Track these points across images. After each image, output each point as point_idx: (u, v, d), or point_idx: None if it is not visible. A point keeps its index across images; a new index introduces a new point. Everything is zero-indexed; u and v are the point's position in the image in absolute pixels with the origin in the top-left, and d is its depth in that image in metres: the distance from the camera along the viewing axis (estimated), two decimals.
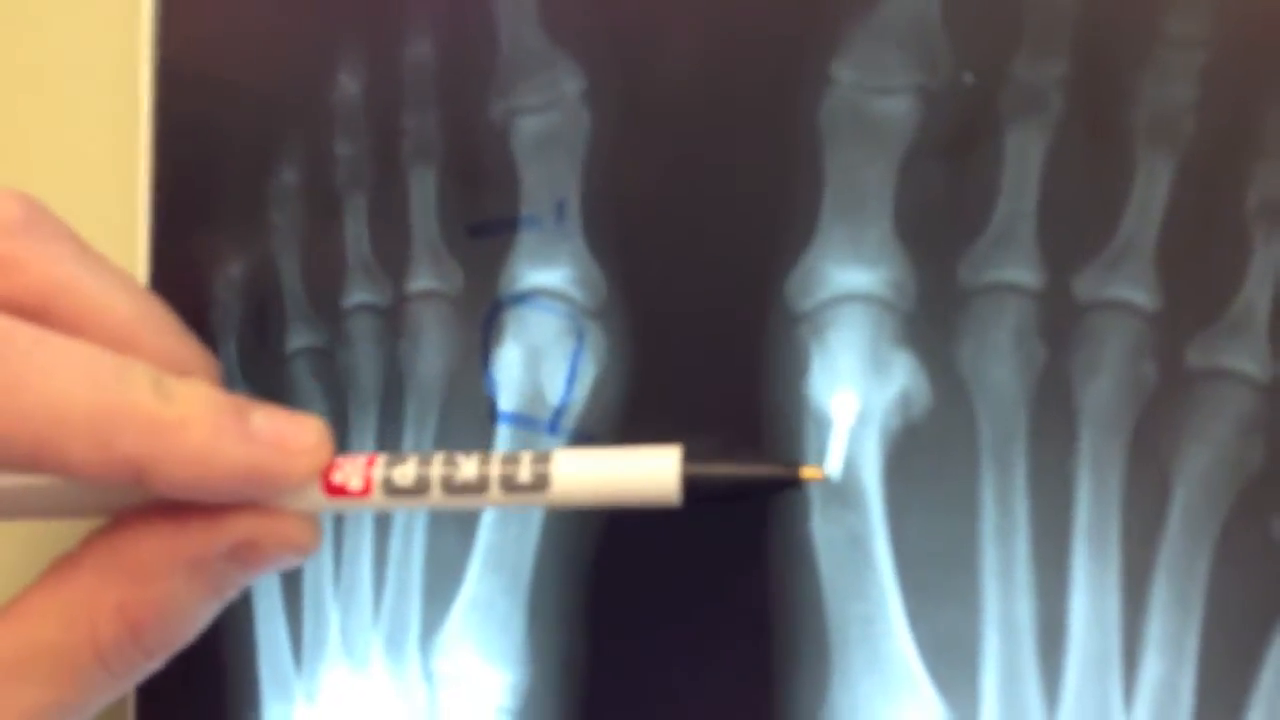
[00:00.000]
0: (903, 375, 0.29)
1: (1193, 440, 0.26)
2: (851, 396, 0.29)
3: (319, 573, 0.37)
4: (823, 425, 0.30)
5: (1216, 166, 0.26)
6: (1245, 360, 0.26)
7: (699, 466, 0.25)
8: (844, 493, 0.29)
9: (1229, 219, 0.26)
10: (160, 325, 0.29)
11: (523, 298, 0.33)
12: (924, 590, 0.29)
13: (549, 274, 0.33)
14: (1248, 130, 0.26)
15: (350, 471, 0.27)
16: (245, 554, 0.26)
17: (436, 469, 0.27)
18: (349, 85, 0.36)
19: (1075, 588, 0.27)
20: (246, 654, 0.38)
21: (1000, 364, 0.28)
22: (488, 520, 0.34)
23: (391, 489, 0.27)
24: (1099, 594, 0.27)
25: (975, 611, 0.28)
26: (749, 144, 0.30)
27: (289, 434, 0.25)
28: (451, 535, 0.34)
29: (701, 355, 0.31)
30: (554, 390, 0.33)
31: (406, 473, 0.27)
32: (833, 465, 0.29)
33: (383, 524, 0.36)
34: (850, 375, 0.29)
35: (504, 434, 0.33)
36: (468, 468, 0.26)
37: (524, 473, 0.26)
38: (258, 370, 0.38)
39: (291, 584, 0.37)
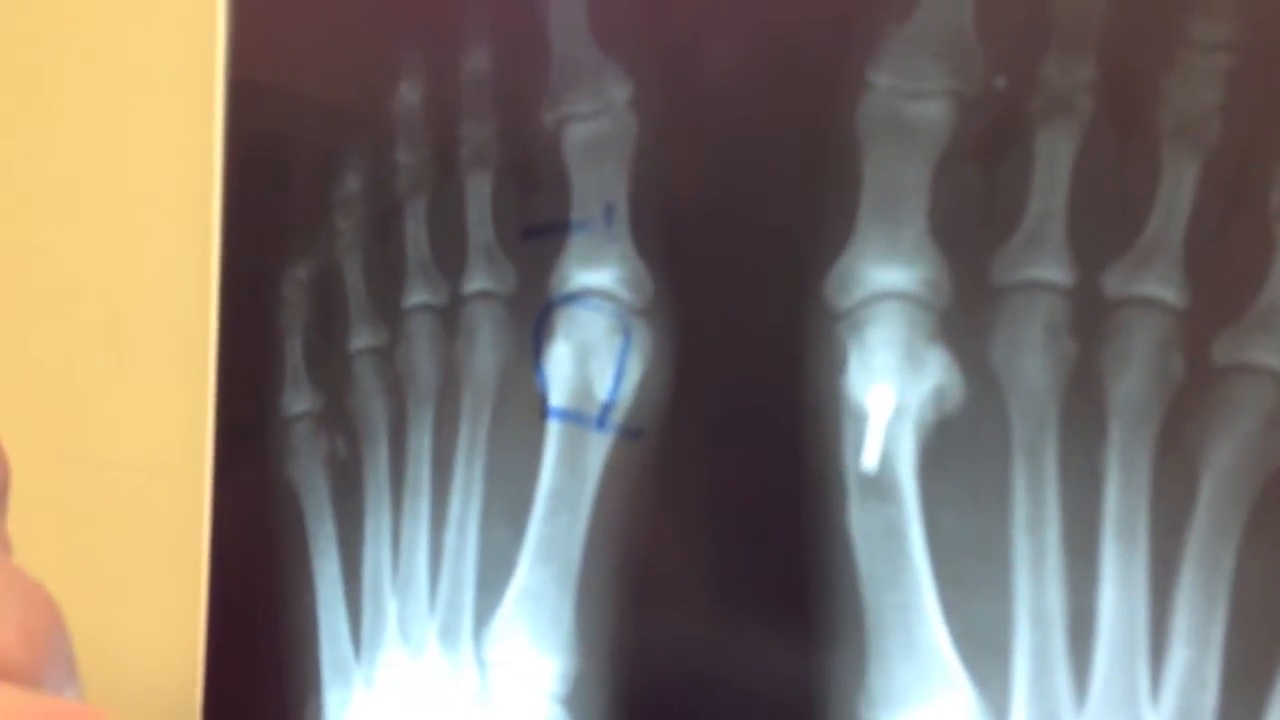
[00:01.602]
0: (937, 371, 0.29)
1: (1219, 434, 0.27)
2: (888, 391, 0.30)
3: (378, 564, 0.38)
4: (860, 419, 0.30)
5: (1241, 167, 0.26)
6: (1270, 355, 0.26)
7: None
8: (880, 485, 0.30)
9: (1254, 218, 0.26)
10: None
11: (573, 297, 0.34)
12: (957, 580, 0.29)
13: (598, 274, 0.34)
14: (1272, 132, 0.26)
15: None
16: None
17: None
18: (409, 96, 0.37)
19: (1104, 578, 0.28)
20: (309, 642, 0.39)
21: (1032, 359, 0.28)
22: (538, 513, 0.35)
23: None
24: (1127, 584, 0.27)
25: (1007, 601, 0.29)
26: (789, 148, 0.31)
27: None
28: (504, 528, 0.35)
29: (743, 351, 0.32)
30: (602, 386, 0.34)
31: None
32: (869, 458, 0.30)
33: (438, 517, 0.37)
34: (886, 371, 0.30)
35: (555, 428, 0.34)
36: None
37: None
38: (323, 368, 0.39)
39: (352, 575, 0.38)
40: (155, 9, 0.44)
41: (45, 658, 0.24)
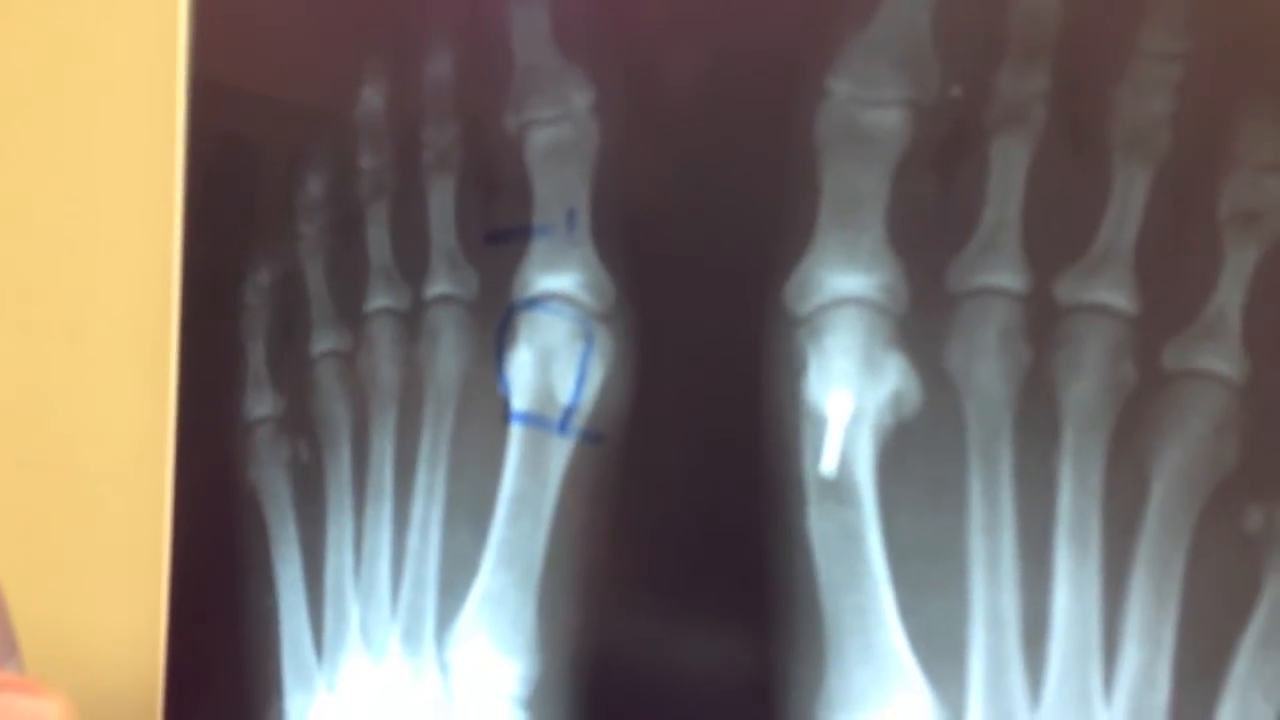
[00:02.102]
0: (895, 376, 0.30)
1: (1170, 438, 0.27)
2: (846, 396, 0.30)
3: (340, 569, 0.38)
4: (819, 424, 0.31)
5: (1191, 176, 0.27)
6: (1219, 361, 0.27)
7: None
8: (838, 489, 0.30)
9: (1203, 227, 0.27)
10: None
11: (535, 302, 0.34)
12: (914, 582, 0.30)
13: (560, 279, 0.34)
14: (1221, 142, 0.27)
15: None
16: None
17: None
18: (372, 100, 0.37)
19: (1058, 580, 0.28)
20: (270, 647, 0.39)
21: (987, 364, 0.29)
22: (501, 517, 0.35)
23: None
24: (1080, 586, 0.28)
25: (963, 603, 0.29)
26: (749, 154, 0.31)
27: None
28: (466, 532, 0.35)
29: (704, 357, 0.32)
30: (564, 390, 0.34)
31: None
32: (828, 462, 0.30)
33: (401, 521, 0.37)
34: (845, 376, 0.30)
35: (517, 432, 0.35)
36: None
37: None
38: (285, 372, 0.39)
39: (314, 579, 0.38)
40: (117, 10, 0.44)
41: None
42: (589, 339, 0.33)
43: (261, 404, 0.39)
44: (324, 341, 0.38)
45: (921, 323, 0.30)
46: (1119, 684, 0.28)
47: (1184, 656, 0.27)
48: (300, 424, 0.38)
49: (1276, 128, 0.26)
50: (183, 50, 0.40)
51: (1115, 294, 0.28)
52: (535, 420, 0.34)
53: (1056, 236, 0.28)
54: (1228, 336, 0.27)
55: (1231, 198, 0.27)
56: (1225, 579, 0.27)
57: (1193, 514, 0.27)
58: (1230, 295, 0.27)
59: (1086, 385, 0.28)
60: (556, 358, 0.34)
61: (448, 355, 0.36)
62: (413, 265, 0.36)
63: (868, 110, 0.30)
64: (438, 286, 0.36)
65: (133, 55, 0.44)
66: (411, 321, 0.36)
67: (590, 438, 0.33)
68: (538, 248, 0.34)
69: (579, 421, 0.34)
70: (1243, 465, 0.26)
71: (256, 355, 0.39)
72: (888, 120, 0.30)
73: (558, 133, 0.34)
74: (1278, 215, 0.26)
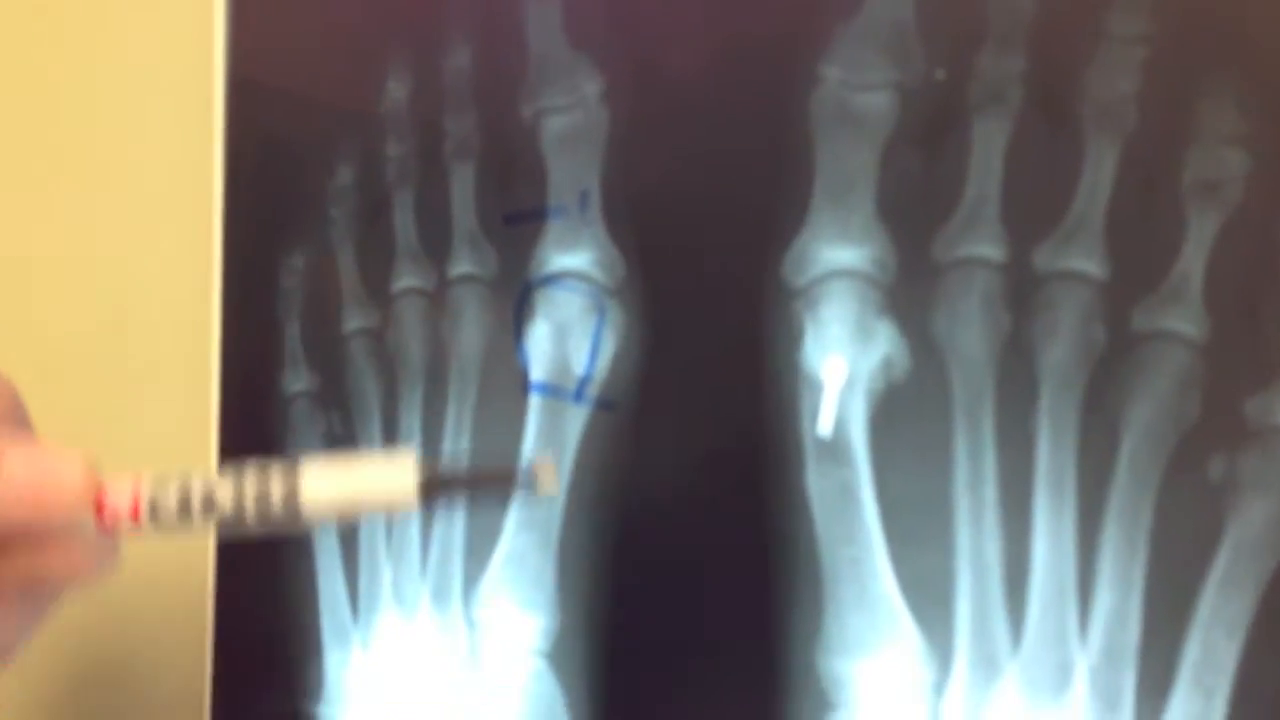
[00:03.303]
0: (885, 342, 0.32)
1: (1138, 395, 0.29)
2: (840, 362, 0.32)
3: (373, 534, 0.40)
4: (815, 388, 0.33)
5: (1156, 150, 0.29)
6: (1183, 323, 0.28)
7: (433, 474, 0.24)
8: (834, 449, 0.32)
9: (1168, 198, 0.28)
10: None
11: (551, 279, 0.36)
12: (905, 534, 0.32)
13: (574, 257, 0.36)
14: (1183, 118, 0.28)
15: (118, 503, 0.26)
16: (36, 587, 0.26)
17: (197, 496, 0.26)
18: (397, 93, 0.39)
19: (1037, 530, 0.30)
20: (310, 607, 0.41)
21: (970, 330, 0.31)
22: None
23: (156, 518, 0.26)
24: (1057, 535, 0.30)
25: (949, 553, 0.31)
26: (749, 137, 0.33)
27: (49, 471, 0.25)
28: None
29: (708, 327, 0.34)
30: (579, 362, 0.36)
31: (169, 502, 0.26)
32: (824, 424, 0.32)
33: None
34: (839, 343, 0.32)
35: (535, 401, 0.37)
36: (224, 494, 0.25)
37: (277, 498, 0.25)
38: (319, 350, 0.41)
39: (349, 544, 0.41)
40: (157, 17, 0.46)
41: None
42: (601, 313, 0.35)
43: (298, 380, 0.41)
44: (355, 320, 0.40)
45: (909, 292, 0.31)
46: (1093, 624, 0.30)
47: (1152, 597, 0.29)
48: (334, 398, 0.40)
49: (1234, 104, 0.28)
50: (220, 51, 0.42)
51: (1087, 262, 0.29)
52: (552, 390, 0.36)
53: (1033, 209, 0.30)
54: (1191, 300, 0.28)
55: (1193, 170, 0.28)
56: (1190, 525, 0.28)
57: (1160, 465, 0.29)
58: (1193, 261, 0.28)
59: (1061, 348, 0.30)
60: (571, 331, 0.36)
61: (470, 330, 0.38)
62: (437, 246, 0.38)
63: (858, 94, 0.32)
64: (460, 266, 0.38)
65: (173, 56, 0.46)
66: (436, 299, 0.38)
67: (604, 405, 0.36)
68: (553, 228, 0.36)
69: (593, 390, 0.36)
70: (1204, 419, 0.28)
71: (293, 335, 0.42)
72: (876, 102, 0.32)
73: (570, 120, 0.36)
74: (1236, 186, 0.28)
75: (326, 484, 0.25)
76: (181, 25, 0.45)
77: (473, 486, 0.25)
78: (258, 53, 0.42)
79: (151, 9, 0.47)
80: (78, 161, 0.49)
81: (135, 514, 0.26)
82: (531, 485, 0.24)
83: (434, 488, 0.24)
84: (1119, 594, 0.29)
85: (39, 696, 0.49)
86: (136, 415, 0.48)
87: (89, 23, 0.48)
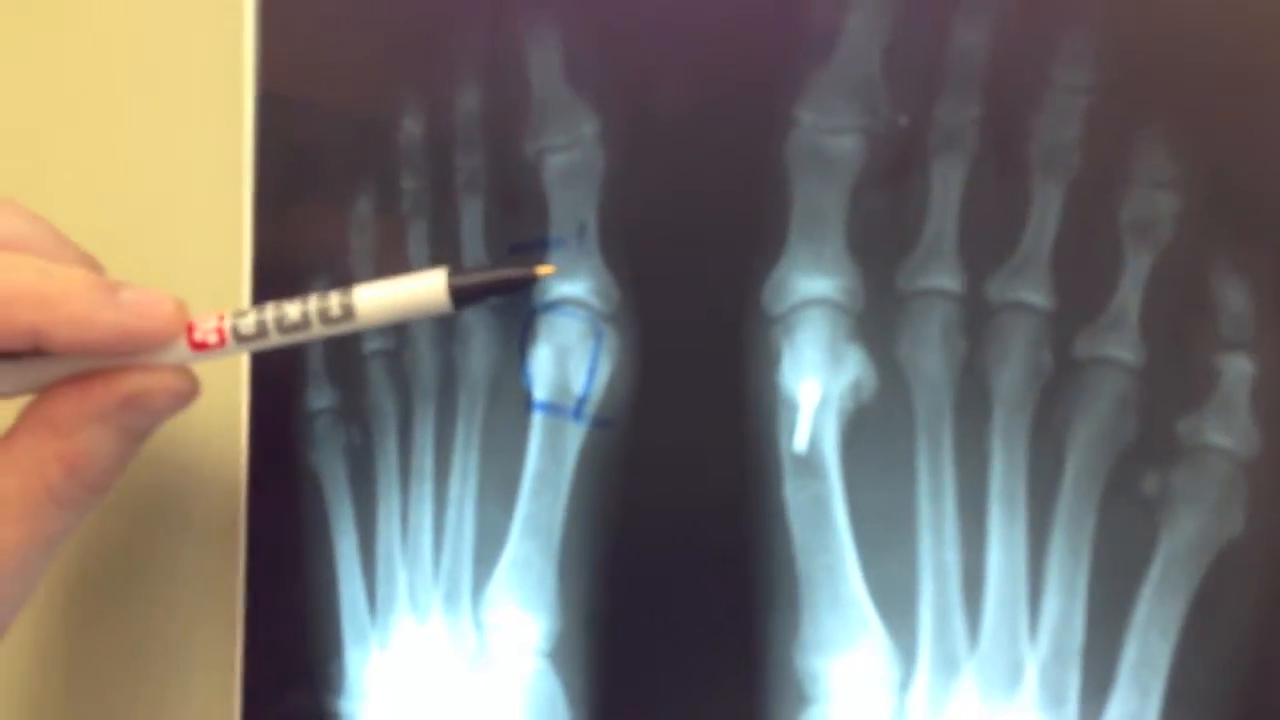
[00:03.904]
0: (854, 366, 0.34)
1: (1081, 416, 0.31)
2: (814, 384, 0.35)
3: (390, 540, 0.43)
4: (792, 407, 0.35)
5: (1097, 191, 0.31)
6: (1121, 350, 0.31)
7: (458, 278, 0.32)
8: (809, 463, 0.35)
9: (1108, 235, 0.31)
10: (43, 234, 0.32)
11: (552, 305, 0.39)
12: (873, 543, 0.34)
13: (573, 285, 0.38)
14: (1121, 162, 0.31)
15: (207, 330, 0.32)
16: (139, 403, 0.31)
17: (270, 316, 0.32)
18: (412, 130, 0.42)
19: (991, 540, 0.32)
20: (331, 608, 0.44)
21: (931, 355, 0.33)
22: (525, 493, 0.39)
23: (239, 336, 0.32)
24: (1010, 545, 0.32)
25: (913, 560, 0.33)
26: (731, 175, 0.36)
27: (150, 303, 0.30)
28: (496, 507, 0.40)
29: (695, 351, 0.36)
30: (578, 382, 0.38)
31: (248, 323, 0.32)
32: (800, 441, 0.35)
33: (440, 498, 0.41)
34: (813, 366, 0.35)
35: (538, 419, 0.39)
36: (293, 312, 0.32)
37: (335, 308, 0.32)
38: (341, 368, 0.44)
39: (367, 550, 0.43)
40: (184, 26, 0.49)
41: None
42: (599, 337, 0.38)
43: (321, 397, 0.44)
44: (373, 342, 0.43)
45: (876, 320, 0.34)
46: (1042, 627, 0.32)
47: (1095, 602, 0.31)
48: (354, 414, 0.43)
49: (1167, 151, 0.30)
50: (249, 68, 0.45)
51: (1035, 293, 0.32)
52: (553, 409, 0.39)
53: (986, 245, 0.32)
54: (1128, 328, 0.31)
55: (1130, 210, 0.31)
56: (1128, 536, 0.31)
57: (1100, 480, 0.31)
58: (1130, 293, 0.31)
59: (1012, 372, 0.32)
60: (571, 354, 0.38)
61: (478, 353, 0.40)
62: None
63: (829, 137, 0.34)
64: None
65: (200, 69, 0.48)
66: (448, 324, 0.41)
67: (601, 423, 0.38)
68: (554, 258, 0.39)
69: (591, 409, 0.38)
70: (1140, 438, 0.31)
71: (316, 354, 0.44)
72: (845, 145, 0.34)
73: (569, 158, 0.38)
74: (1168, 225, 0.30)
75: (374, 293, 0.32)
76: (208, 40, 0.47)
77: (490, 286, 0.32)
78: (286, 80, 0.44)
79: (179, 27, 0.49)
80: (107, 179, 0.51)
81: (221, 336, 0.31)
82: (533, 278, 0.32)
83: (461, 289, 0.31)
84: (1065, 599, 0.32)
85: (72, 689, 0.51)
86: (169, 432, 0.50)
87: (115, 37, 0.50)
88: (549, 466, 0.39)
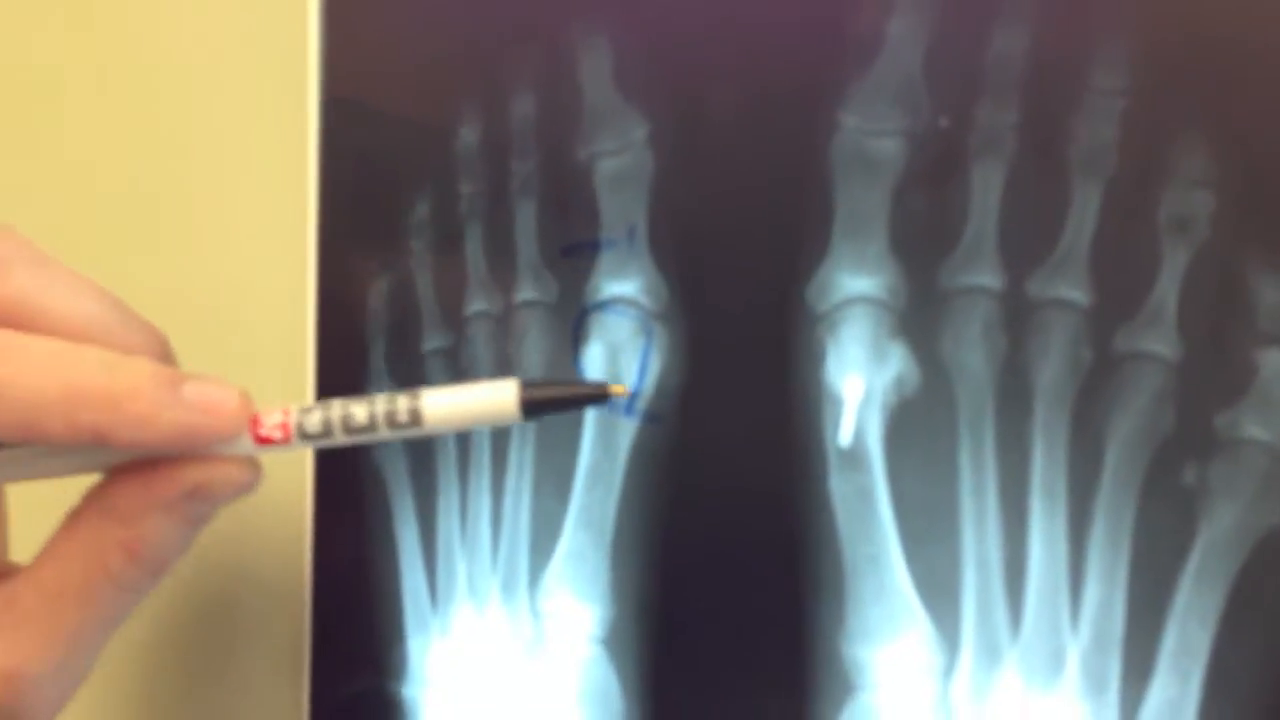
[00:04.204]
0: (897, 362, 0.35)
1: (1120, 410, 0.32)
2: (858, 380, 0.36)
3: (449, 531, 0.44)
4: (836, 403, 0.36)
5: (1135, 190, 0.32)
6: (1160, 345, 0.32)
7: (531, 391, 0.30)
8: (854, 457, 0.36)
9: (1145, 233, 0.31)
10: (110, 316, 0.31)
11: (604, 304, 0.40)
12: (916, 535, 0.35)
13: (624, 285, 0.40)
14: (1158, 163, 0.31)
15: (272, 424, 0.31)
16: (202, 493, 0.30)
17: (336, 415, 0.30)
18: (469, 137, 0.43)
19: (1033, 531, 0.33)
20: (394, 598, 0.45)
21: (972, 352, 0.34)
22: (579, 486, 0.41)
23: (304, 434, 0.30)
24: (1050, 535, 0.33)
25: (956, 551, 0.34)
26: (776, 177, 0.37)
27: (214, 399, 0.29)
28: (551, 499, 0.41)
29: (742, 348, 0.37)
30: (629, 379, 0.40)
31: (314, 421, 0.30)
32: (845, 435, 0.36)
33: (498, 491, 0.43)
34: (857, 363, 0.36)
35: (591, 415, 0.41)
36: (360, 414, 0.30)
37: (402, 413, 0.30)
38: (401, 366, 0.45)
39: (428, 540, 0.45)
40: (249, 35, 0.50)
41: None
42: (649, 335, 0.39)
43: None
44: (432, 340, 0.44)
45: (919, 317, 0.35)
46: (1083, 615, 0.33)
47: (1135, 591, 0.32)
48: None
49: (1203, 151, 0.31)
50: (314, 75, 0.46)
51: (1075, 290, 0.33)
52: (606, 405, 0.40)
53: (1026, 243, 0.33)
54: (1166, 324, 0.31)
55: (1167, 209, 0.31)
56: (1167, 526, 0.31)
57: (1139, 473, 0.32)
58: (1168, 290, 0.31)
59: (1052, 367, 0.33)
60: (622, 351, 0.40)
61: (533, 351, 0.42)
62: (504, 275, 0.42)
63: (872, 139, 0.35)
64: (524, 293, 0.42)
65: (266, 75, 0.49)
66: (503, 323, 0.42)
67: (651, 418, 0.39)
68: (605, 259, 0.40)
69: (641, 405, 0.39)
70: (1179, 431, 0.31)
71: (378, 353, 0.46)
72: (888, 148, 0.35)
73: (620, 161, 0.39)
74: (1204, 223, 0.31)
75: (443, 400, 0.30)
76: (273, 49, 0.49)
77: (562, 401, 0.30)
78: (351, 85, 0.46)
79: (243, 26, 0.50)
80: (173, 186, 0.53)
81: (286, 433, 0.31)
82: (605, 396, 0.30)
83: (532, 403, 0.30)
84: (1105, 588, 0.32)
85: (147, 673, 0.53)
86: None
87: (180, 45, 0.52)
88: (602, 460, 0.40)
